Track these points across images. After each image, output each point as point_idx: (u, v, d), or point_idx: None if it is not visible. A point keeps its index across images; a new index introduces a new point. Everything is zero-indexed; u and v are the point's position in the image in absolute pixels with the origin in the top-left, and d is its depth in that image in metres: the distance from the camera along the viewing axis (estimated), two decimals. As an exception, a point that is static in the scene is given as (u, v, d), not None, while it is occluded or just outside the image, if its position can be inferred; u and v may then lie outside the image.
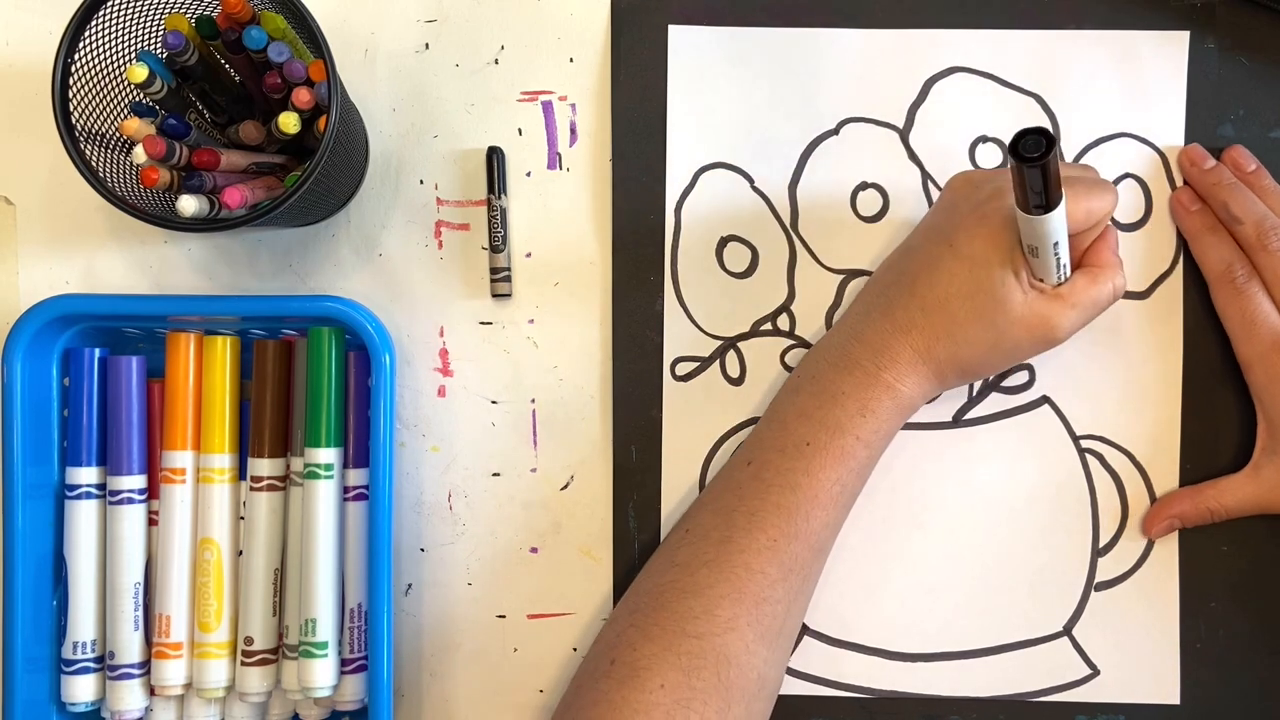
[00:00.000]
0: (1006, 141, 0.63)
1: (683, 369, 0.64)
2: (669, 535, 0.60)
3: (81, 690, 0.61)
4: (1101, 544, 0.63)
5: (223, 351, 0.61)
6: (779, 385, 0.63)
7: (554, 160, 0.64)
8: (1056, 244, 0.53)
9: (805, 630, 0.63)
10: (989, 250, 0.55)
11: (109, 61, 0.56)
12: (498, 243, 0.63)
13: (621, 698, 0.53)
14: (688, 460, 0.64)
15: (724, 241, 0.64)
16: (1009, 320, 0.56)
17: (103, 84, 0.56)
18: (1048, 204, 0.51)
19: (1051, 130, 0.47)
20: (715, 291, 0.64)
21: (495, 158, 0.63)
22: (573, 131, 0.64)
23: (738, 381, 0.64)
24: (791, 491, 0.56)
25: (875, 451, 0.58)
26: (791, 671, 0.63)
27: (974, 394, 0.64)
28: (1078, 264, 0.58)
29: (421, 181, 0.64)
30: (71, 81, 0.54)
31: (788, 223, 0.64)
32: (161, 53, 0.55)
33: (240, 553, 0.61)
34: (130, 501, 0.61)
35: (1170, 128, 0.63)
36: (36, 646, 0.60)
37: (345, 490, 0.61)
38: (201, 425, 0.61)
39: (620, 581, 0.63)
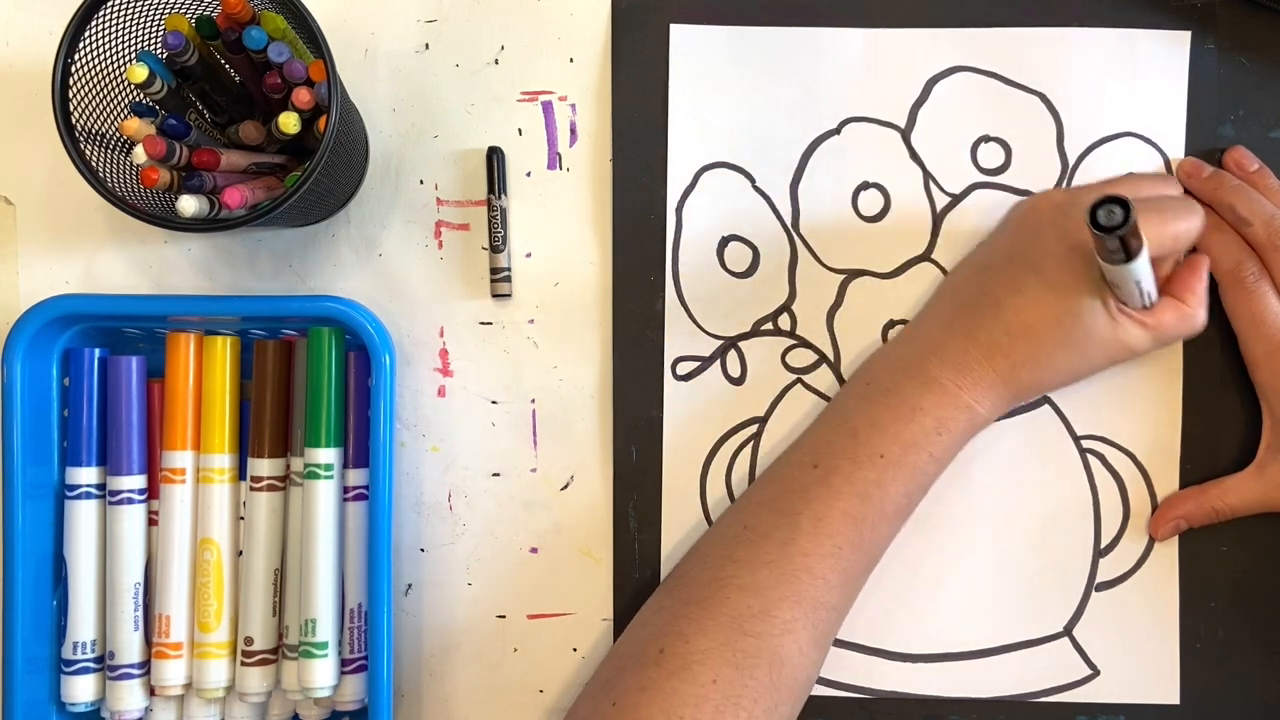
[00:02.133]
0: (1009, 139, 0.63)
1: (683, 369, 0.64)
2: (722, 527, 0.60)
3: (81, 690, 0.61)
4: (1102, 544, 0.63)
5: (223, 351, 0.61)
6: (780, 386, 0.63)
7: (554, 160, 0.64)
8: (1139, 282, 0.54)
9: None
10: (1078, 280, 0.56)
11: (109, 61, 0.56)
12: (498, 243, 0.63)
13: (672, 688, 0.53)
14: (689, 460, 0.64)
15: (725, 241, 0.64)
16: (1093, 344, 0.56)
17: (103, 84, 0.56)
18: (1128, 256, 0.51)
19: (1128, 204, 0.48)
20: (716, 291, 0.64)
21: (495, 158, 0.63)
22: (573, 131, 0.64)
23: (739, 381, 0.64)
24: (861, 501, 0.56)
25: (943, 468, 0.59)
26: (792, 672, 0.63)
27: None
28: (1164, 287, 0.58)
29: (421, 181, 0.64)
30: (71, 81, 0.54)
31: (789, 222, 0.64)
32: (161, 53, 0.55)
33: (240, 553, 0.61)
34: (130, 501, 0.61)
35: (1171, 127, 0.63)
36: (36, 646, 0.60)
37: (345, 490, 0.61)
38: (201, 425, 0.61)
39: (620, 581, 0.63)
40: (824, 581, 0.56)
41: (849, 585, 0.57)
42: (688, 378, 0.64)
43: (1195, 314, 0.58)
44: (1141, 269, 0.53)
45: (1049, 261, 0.56)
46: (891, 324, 0.64)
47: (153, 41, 0.56)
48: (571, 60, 0.64)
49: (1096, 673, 0.63)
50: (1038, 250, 0.57)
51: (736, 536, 0.58)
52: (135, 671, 0.61)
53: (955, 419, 0.57)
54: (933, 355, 0.58)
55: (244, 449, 0.62)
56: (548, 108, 0.64)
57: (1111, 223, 0.48)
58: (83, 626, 0.61)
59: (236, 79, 0.58)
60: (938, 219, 0.64)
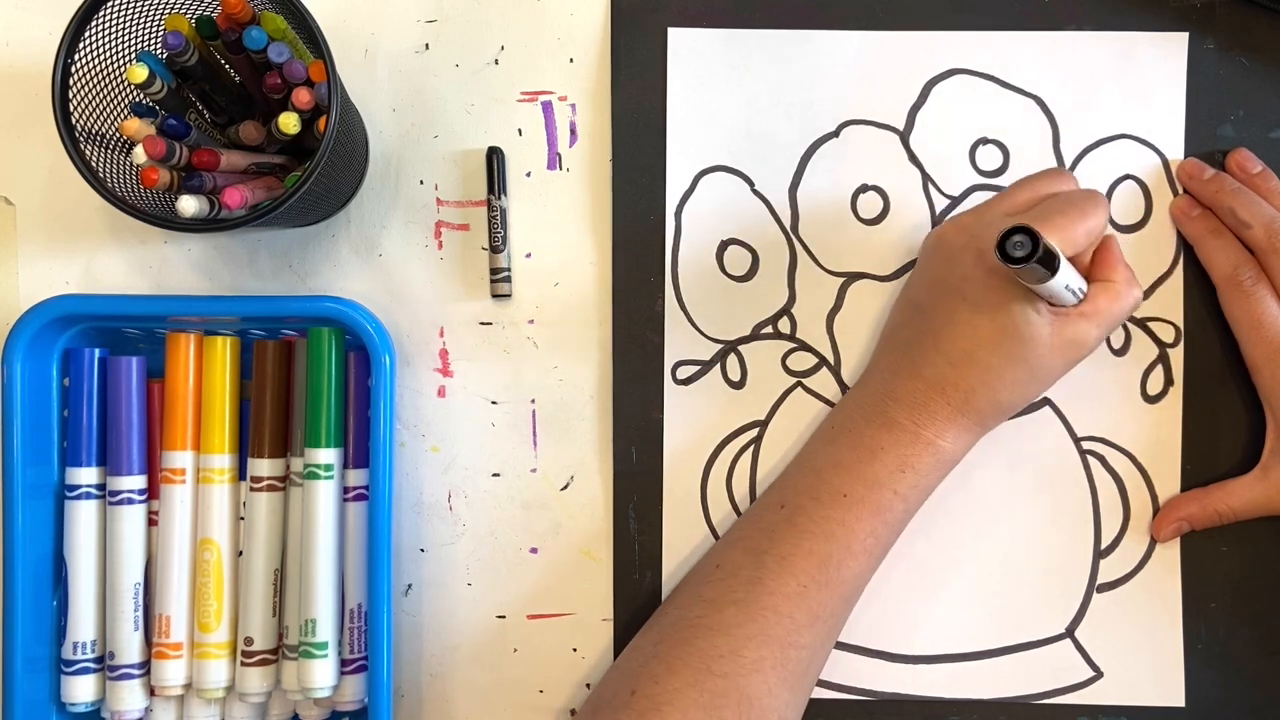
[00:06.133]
0: (1007, 141, 0.63)
1: (683, 373, 0.64)
2: (697, 568, 0.60)
3: (81, 690, 0.61)
4: (1103, 546, 0.63)
5: (223, 352, 0.61)
6: (780, 389, 0.63)
7: (554, 160, 0.64)
8: (1066, 285, 0.54)
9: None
10: (1005, 296, 0.55)
11: (109, 61, 0.56)
12: (498, 243, 0.63)
13: None
14: (689, 462, 0.63)
15: (724, 245, 0.64)
16: (1039, 353, 0.56)
17: (103, 84, 0.56)
18: (1050, 272, 0.51)
19: (1039, 236, 0.49)
20: (716, 295, 0.64)
21: (495, 158, 0.63)
22: (573, 132, 0.64)
23: (739, 385, 0.64)
24: (826, 540, 0.56)
25: (913, 506, 0.58)
26: (792, 673, 0.63)
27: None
28: (1087, 276, 0.58)
29: (421, 181, 0.64)
30: (71, 81, 0.54)
31: (788, 225, 0.64)
32: (161, 53, 0.55)
33: (240, 553, 0.61)
34: (130, 502, 0.61)
35: (1170, 129, 0.63)
36: (36, 647, 0.60)
37: (345, 490, 0.61)
38: (201, 425, 0.61)
39: (620, 582, 0.63)
40: (791, 620, 0.55)
41: (820, 624, 0.56)
42: (688, 382, 0.64)
43: (1128, 290, 0.57)
44: (1065, 277, 0.53)
45: (972, 286, 0.56)
46: (891, 326, 0.64)
47: (153, 41, 0.56)
48: (571, 60, 0.64)
49: (1100, 674, 0.63)
50: (958, 277, 0.57)
51: (707, 576, 0.58)
52: (135, 672, 0.61)
53: (918, 456, 0.57)
54: (888, 399, 0.58)
55: (244, 449, 0.62)
56: (547, 108, 0.64)
57: (1022, 253, 0.49)
58: (83, 627, 0.61)
59: (236, 79, 0.58)
60: (937, 221, 0.64)
